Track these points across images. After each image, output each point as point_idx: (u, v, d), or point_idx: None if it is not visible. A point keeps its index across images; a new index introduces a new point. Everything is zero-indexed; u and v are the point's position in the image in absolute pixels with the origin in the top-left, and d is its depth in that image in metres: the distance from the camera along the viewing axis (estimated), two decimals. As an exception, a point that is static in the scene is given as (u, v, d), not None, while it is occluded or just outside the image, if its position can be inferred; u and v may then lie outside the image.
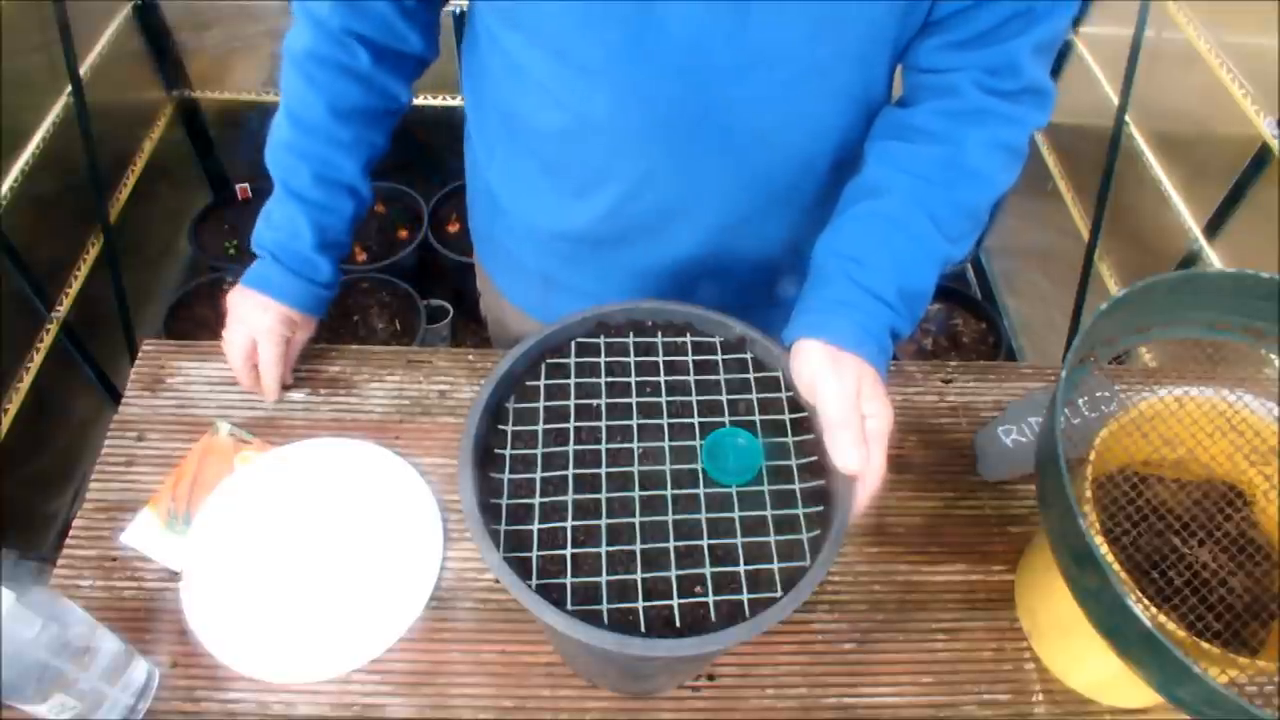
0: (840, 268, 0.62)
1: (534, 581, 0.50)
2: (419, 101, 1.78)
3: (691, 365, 0.61)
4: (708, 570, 0.52)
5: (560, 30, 0.64)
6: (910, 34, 0.65)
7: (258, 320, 0.80)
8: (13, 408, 1.37)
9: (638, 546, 0.53)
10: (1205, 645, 0.55)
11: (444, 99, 1.80)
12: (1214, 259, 1.37)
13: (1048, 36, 0.65)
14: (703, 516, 0.54)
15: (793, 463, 0.57)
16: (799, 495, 0.56)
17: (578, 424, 0.58)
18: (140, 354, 0.89)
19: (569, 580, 0.51)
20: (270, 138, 0.79)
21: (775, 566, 0.52)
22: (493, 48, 0.72)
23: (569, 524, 0.53)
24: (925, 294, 0.64)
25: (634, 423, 0.58)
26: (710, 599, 0.51)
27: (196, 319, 1.80)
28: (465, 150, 0.90)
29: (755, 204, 0.75)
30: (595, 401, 0.59)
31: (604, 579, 0.51)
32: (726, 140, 0.69)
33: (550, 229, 0.82)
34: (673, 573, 0.52)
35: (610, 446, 0.57)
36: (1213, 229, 1.38)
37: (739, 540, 0.53)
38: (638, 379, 0.60)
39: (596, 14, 0.61)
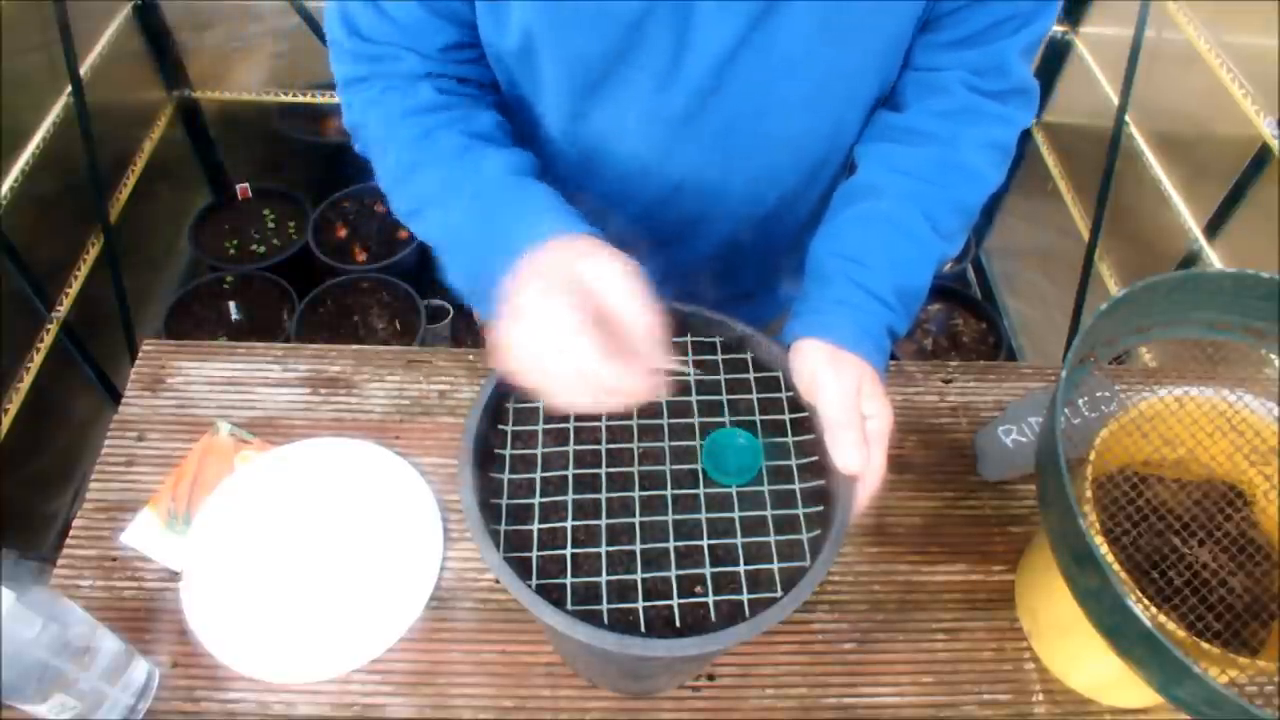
0: (839, 268, 0.62)
1: (534, 581, 0.50)
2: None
3: (691, 365, 0.61)
4: (708, 570, 0.52)
5: (591, 67, 0.62)
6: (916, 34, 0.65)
7: (563, 267, 0.50)
8: (13, 408, 1.37)
9: (638, 546, 0.53)
10: (1205, 645, 0.55)
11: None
12: (1214, 259, 1.37)
13: (1034, 38, 0.65)
14: (703, 516, 0.54)
15: (793, 463, 0.57)
16: (799, 495, 0.56)
17: (577, 424, 0.58)
18: (140, 354, 0.89)
19: (569, 580, 0.51)
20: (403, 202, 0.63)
21: (775, 566, 0.52)
22: (504, 82, 0.69)
23: (569, 524, 0.53)
24: (921, 292, 0.65)
25: (634, 423, 0.58)
26: (710, 599, 0.51)
27: (196, 319, 1.80)
28: None
29: (772, 204, 0.76)
30: (595, 401, 0.59)
31: (604, 579, 0.51)
32: (752, 147, 0.69)
33: None
34: (673, 573, 0.52)
35: (610, 446, 0.57)
36: (1213, 229, 1.38)
37: (739, 540, 0.53)
38: (638, 379, 0.60)
39: (633, 47, 0.60)
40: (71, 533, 0.77)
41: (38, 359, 1.44)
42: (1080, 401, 0.83)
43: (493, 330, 0.50)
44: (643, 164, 0.70)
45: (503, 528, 0.52)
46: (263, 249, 1.92)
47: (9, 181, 1.37)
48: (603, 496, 0.55)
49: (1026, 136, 1.93)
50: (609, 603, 0.50)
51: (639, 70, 0.62)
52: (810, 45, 0.61)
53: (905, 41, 0.65)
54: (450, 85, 0.65)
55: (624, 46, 0.61)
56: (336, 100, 0.68)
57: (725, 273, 0.82)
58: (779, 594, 0.51)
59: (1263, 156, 1.27)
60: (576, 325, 0.47)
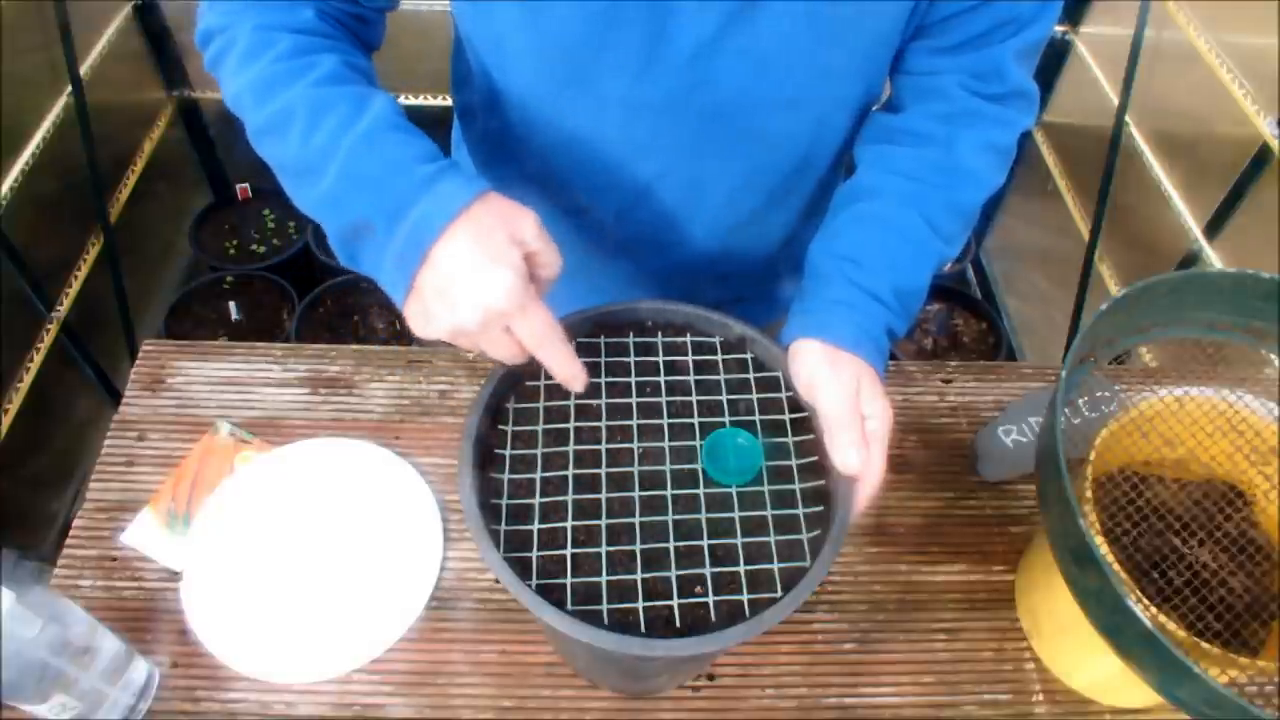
0: (837, 268, 0.62)
1: (534, 581, 0.50)
2: (418, 101, 1.78)
3: (691, 365, 0.61)
4: (708, 570, 0.52)
5: (569, 58, 0.63)
6: (907, 38, 0.65)
7: (504, 225, 0.51)
8: (13, 408, 1.37)
9: (638, 546, 0.53)
10: (1205, 645, 0.55)
11: (443, 99, 1.80)
12: (1214, 259, 1.37)
13: (1032, 41, 0.65)
14: (703, 516, 0.54)
15: (793, 463, 0.57)
16: (799, 495, 0.56)
17: (578, 424, 0.58)
18: (140, 354, 0.89)
19: (569, 580, 0.51)
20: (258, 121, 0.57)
21: (775, 566, 0.52)
22: (485, 76, 0.70)
23: (569, 524, 0.53)
24: (920, 293, 0.65)
25: (634, 423, 0.58)
26: (710, 599, 0.51)
27: (196, 319, 1.81)
28: (453, 153, 0.89)
29: (756, 203, 0.76)
30: (595, 401, 0.59)
31: (604, 579, 0.51)
32: (733, 143, 0.69)
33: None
34: (673, 573, 0.52)
35: (610, 446, 0.57)
36: (1213, 229, 1.38)
37: (739, 540, 0.53)
38: (638, 379, 0.60)
39: (610, 38, 0.61)
40: (71, 533, 0.77)
41: (38, 359, 1.44)
42: (1080, 401, 0.83)
43: (424, 286, 0.51)
44: (622, 155, 0.70)
45: (503, 528, 0.52)
46: (263, 249, 1.92)
47: (9, 181, 1.37)
48: (603, 496, 0.55)
49: (1026, 137, 1.92)
50: (609, 603, 0.50)
51: (616, 62, 0.62)
52: (791, 44, 0.61)
53: (892, 43, 0.64)
54: (331, 16, 0.62)
55: (600, 37, 0.61)
56: None
57: (718, 275, 0.82)
58: (779, 594, 0.51)
59: (1263, 156, 1.27)
60: (527, 285, 0.51)
